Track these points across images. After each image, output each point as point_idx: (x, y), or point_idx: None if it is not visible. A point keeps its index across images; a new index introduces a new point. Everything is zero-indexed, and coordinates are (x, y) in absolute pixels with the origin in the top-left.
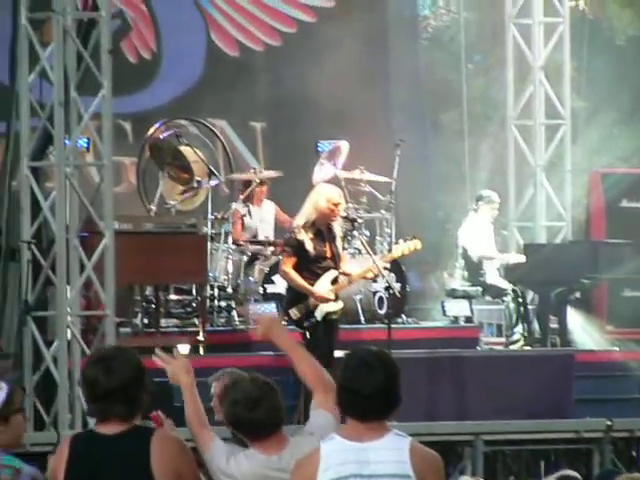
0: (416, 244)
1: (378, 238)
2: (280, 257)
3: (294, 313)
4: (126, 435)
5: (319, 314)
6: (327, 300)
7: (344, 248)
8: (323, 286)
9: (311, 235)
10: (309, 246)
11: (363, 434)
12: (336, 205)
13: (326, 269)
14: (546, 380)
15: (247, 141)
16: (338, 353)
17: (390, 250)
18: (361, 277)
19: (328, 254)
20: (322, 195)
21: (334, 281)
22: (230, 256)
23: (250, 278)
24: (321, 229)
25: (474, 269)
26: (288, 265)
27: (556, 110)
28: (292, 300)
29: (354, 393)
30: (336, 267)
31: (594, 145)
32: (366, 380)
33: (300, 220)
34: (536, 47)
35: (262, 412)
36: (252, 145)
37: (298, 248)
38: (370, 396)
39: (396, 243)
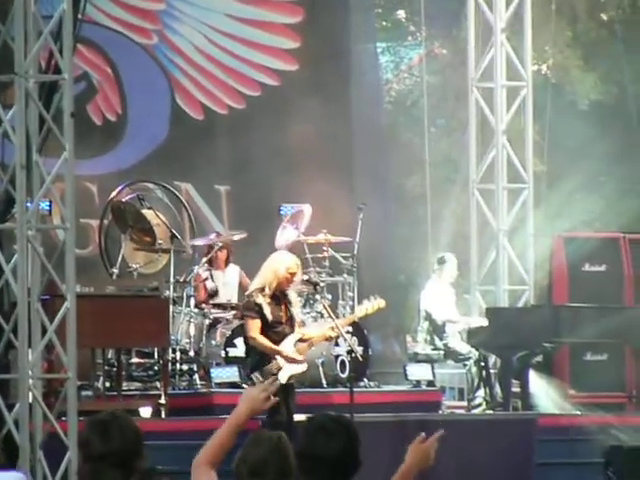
0: (380, 303)
1: (340, 302)
2: (241, 321)
3: (257, 377)
4: None
5: (283, 377)
6: (296, 361)
7: (306, 312)
8: (288, 348)
9: (268, 300)
10: (267, 311)
11: None
12: (293, 274)
13: (282, 334)
14: (508, 444)
15: (212, 204)
16: (298, 417)
17: (353, 312)
18: (320, 340)
19: (284, 319)
20: (280, 263)
21: (295, 345)
22: (192, 319)
23: (212, 341)
24: (277, 294)
25: (437, 333)
26: (255, 330)
27: (518, 174)
28: (255, 364)
29: (315, 459)
30: (292, 332)
31: (556, 209)
32: (326, 445)
33: (257, 284)
34: (499, 111)
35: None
36: (217, 208)
37: (258, 312)
38: (331, 461)
39: (359, 303)
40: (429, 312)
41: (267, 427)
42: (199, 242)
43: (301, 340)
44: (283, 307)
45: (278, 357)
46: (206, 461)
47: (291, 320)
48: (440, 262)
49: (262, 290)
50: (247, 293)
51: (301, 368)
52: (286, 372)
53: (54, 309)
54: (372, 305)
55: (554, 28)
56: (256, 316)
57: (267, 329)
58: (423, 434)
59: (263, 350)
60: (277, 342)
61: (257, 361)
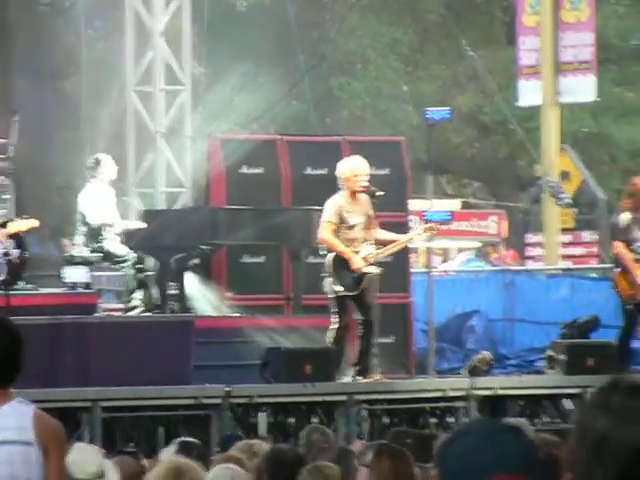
0: (33, 223)
1: None
2: None
3: None
4: None
5: None
6: None
7: None
8: None
9: None
10: None
11: None
12: None
13: None
14: (165, 346)
15: None
16: None
17: (5, 225)
18: None
19: None
20: None
21: None
22: None
23: None
24: None
25: (94, 235)
26: None
27: (176, 76)
28: None
29: None
30: None
31: (214, 111)
32: None
33: None
34: (156, 12)
35: None
36: None
37: None
38: None
39: (12, 220)
40: (85, 214)
41: None
42: None
43: None
44: None
45: None
46: None
47: None
48: (95, 164)
49: None
50: None
51: None
52: None
53: None
54: (26, 224)
55: None
56: None
57: None
58: None
59: None
60: None
61: None
